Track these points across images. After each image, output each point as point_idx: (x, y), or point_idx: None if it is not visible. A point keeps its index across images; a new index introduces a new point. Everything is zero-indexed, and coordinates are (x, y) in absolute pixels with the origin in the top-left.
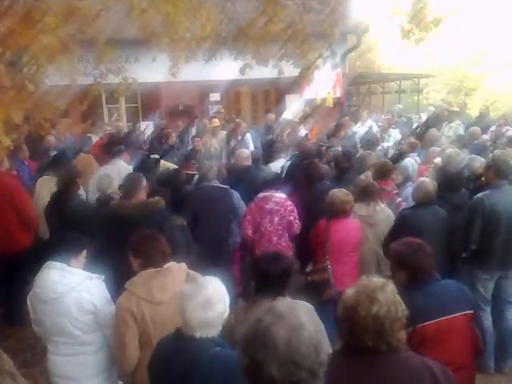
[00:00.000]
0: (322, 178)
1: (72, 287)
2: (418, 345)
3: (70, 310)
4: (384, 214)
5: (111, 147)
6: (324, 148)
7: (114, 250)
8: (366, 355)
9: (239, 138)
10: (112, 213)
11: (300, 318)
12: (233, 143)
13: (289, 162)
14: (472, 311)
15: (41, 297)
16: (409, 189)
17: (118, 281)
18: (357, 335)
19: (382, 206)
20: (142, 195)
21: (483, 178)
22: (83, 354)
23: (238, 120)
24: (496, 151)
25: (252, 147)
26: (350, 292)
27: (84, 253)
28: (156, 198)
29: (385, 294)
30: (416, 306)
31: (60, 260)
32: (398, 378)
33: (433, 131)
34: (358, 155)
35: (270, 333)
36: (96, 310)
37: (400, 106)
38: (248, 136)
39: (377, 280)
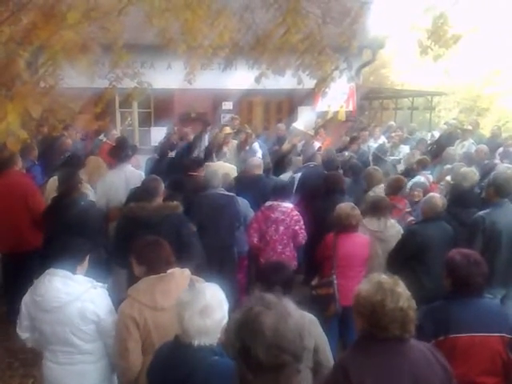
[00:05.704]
0: (342, 191)
1: (76, 296)
2: (445, 355)
3: (73, 319)
4: (395, 229)
5: (118, 152)
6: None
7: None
8: (392, 343)
9: (247, 147)
10: (131, 215)
11: (287, 308)
12: (243, 153)
13: (299, 174)
14: (510, 336)
15: (42, 305)
16: None
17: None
18: (384, 326)
19: (393, 221)
20: (160, 199)
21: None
22: (83, 363)
23: (248, 130)
24: (497, 169)
25: (259, 155)
26: (370, 288)
27: (87, 258)
28: (175, 202)
29: (402, 287)
30: (453, 317)
31: (64, 267)
32: (420, 360)
33: (450, 149)
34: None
35: (259, 320)
36: (99, 320)
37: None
38: (256, 145)
39: (386, 276)
